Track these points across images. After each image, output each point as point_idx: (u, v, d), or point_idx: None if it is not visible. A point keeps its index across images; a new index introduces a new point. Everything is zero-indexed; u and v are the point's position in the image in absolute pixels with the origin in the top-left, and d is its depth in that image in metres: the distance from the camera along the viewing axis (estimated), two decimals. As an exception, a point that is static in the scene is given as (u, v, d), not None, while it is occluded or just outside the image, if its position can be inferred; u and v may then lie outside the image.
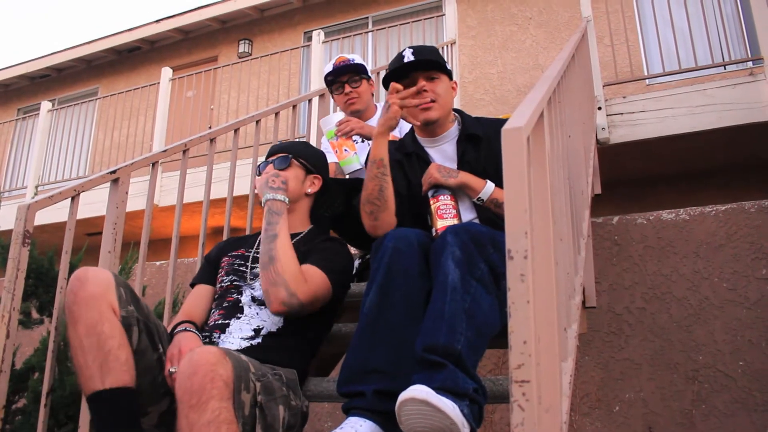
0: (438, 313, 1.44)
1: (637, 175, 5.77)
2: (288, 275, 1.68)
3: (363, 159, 2.44)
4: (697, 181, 5.77)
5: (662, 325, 3.16)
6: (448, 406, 1.30)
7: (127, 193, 1.90)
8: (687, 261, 3.20)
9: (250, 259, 1.93)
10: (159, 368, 1.61)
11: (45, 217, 6.45)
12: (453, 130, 2.03)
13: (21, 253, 1.61)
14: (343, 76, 2.70)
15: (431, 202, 1.84)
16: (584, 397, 3.21)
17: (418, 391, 1.31)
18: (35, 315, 4.26)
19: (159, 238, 6.72)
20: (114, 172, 1.89)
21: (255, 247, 1.97)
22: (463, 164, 1.95)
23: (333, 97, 2.79)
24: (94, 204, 6.27)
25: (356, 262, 2.47)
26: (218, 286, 1.94)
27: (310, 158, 2.08)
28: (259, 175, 2.03)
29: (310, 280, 1.74)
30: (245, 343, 1.75)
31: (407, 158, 2.02)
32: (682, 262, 3.21)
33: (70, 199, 1.79)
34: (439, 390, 1.32)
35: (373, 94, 2.81)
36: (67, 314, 1.50)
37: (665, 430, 3.04)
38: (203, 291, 1.96)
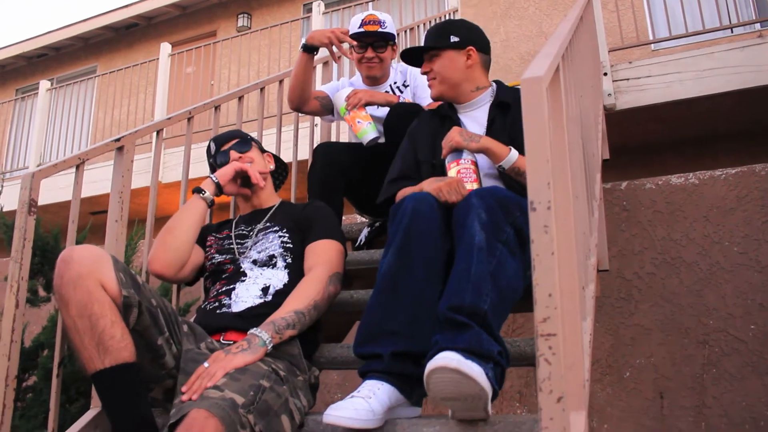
0: (463, 274, 1.43)
1: (643, 141, 5.71)
2: (319, 303, 1.72)
3: (380, 126, 2.40)
4: (704, 146, 5.71)
5: (672, 290, 3.14)
6: (476, 372, 1.30)
7: (132, 161, 1.87)
8: (697, 225, 3.17)
9: (234, 237, 1.95)
10: (163, 351, 1.57)
11: (48, 196, 6.43)
12: (485, 96, 2.03)
13: (27, 222, 1.58)
14: (369, 38, 2.63)
15: (452, 165, 1.79)
16: (594, 363, 3.20)
17: (449, 359, 1.29)
18: (42, 293, 4.25)
19: (163, 215, 6.68)
20: (118, 140, 1.86)
21: (234, 227, 1.99)
22: (491, 131, 1.94)
23: (352, 51, 2.68)
24: (98, 182, 6.24)
25: (365, 231, 2.45)
26: (209, 263, 1.93)
27: (254, 138, 2.14)
28: (216, 164, 2.05)
29: (327, 258, 1.79)
30: (258, 300, 1.74)
31: (441, 122, 2.04)
32: (692, 226, 3.18)
33: (74, 172, 1.77)
34: (465, 352, 1.32)
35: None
36: (57, 297, 1.47)
37: (676, 394, 3.04)
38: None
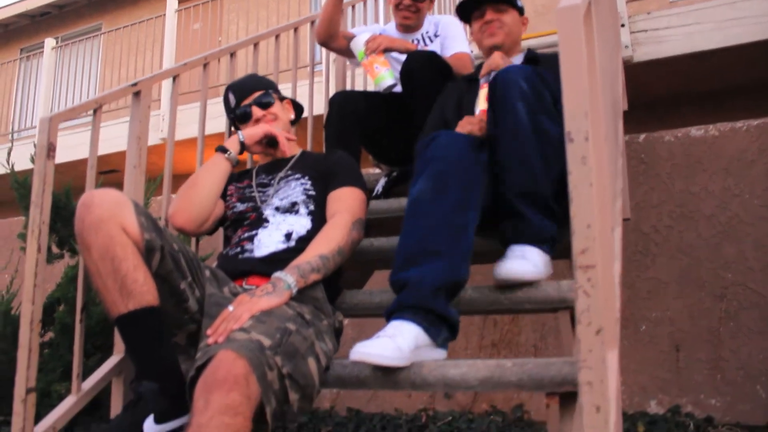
0: (517, 159, 1.62)
1: (661, 95, 5.61)
2: (343, 248, 1.70)
3: (397, 74, 2.35)
4: (724, 99, 5.59)
5: (690, 243, 3.11)
6: (540, 268, 1.61)
7: (149, 107, 1.84)
8: (716, 178, 3.12)
9: (255, 186, 1.92)
10: (186, 296, 1.56)
11: (59, 156, 6.40)
12: (517, 59, 2.13)
13: (47, 166, 1.56)
14: None
15: (484, 86, 1.79)
16: (610, 316, 3.18)
17: (514, 272, 1.57)
18: (55, 249, 4.27)
19: (176, 173, 6.66)
20: (135, 84, 1.82)
21: (255, 176, 1.96)
22: None
23: None
24: (108, 141, 6.21)
25: (382, 181, 2.42)
26: (230, 212, 1.90)
27: (273, 85, 2.09)
28: (236, 118, 2.01)
29: (350, 205, 1.79)
30: (281, 246, 1.73)
31: (468, 84, 2.13)
32: (711, 179, 3.13)
33: (90, 118, 1.75)
34: (528, 242, 1.61)
35: None
36: (79, 241, 1.45)
37: (692, 347, 3.03)
38: None
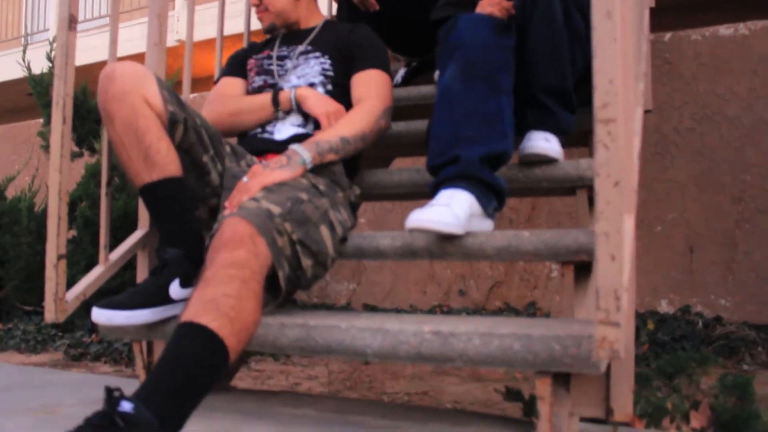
0: (548, 55, 1.62)
1: None
2: (367, 135, 1.68)
3: None
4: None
5: (711, 145, 3.08)
6: (560, 152, 1.67)
7: (167, -19, 1.81)
8: (743, 79, 3.05)
9: (275, 58, 1.87)
10: (208, 169, 1.58)
11: (73, 59, 6.35)
12: None
13: (68, 38, 1.55)
14: None
15: None
16: (626, 217, 3.20)
17: (539, 148, 1.63)
18: (74, 148, 4.31)
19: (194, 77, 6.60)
20: (152, -39, 1.79)
21: (278, 46, 1.90)
22: None
23: None
24: (124, 43, 6.13)
25: (402, 71, 2.39)
26: (250, 87, 1.89)
27: None
28: None
29: (380, 91, 1.75)
30: (301, 130, 1.73)
31: None
32: (737, 80, 3.06)
33: (103, 32, 1.73)
34: (549, 131, 1.66)
35: None
36: (102, 114, 1.46)
37: (706, 249, 3.05)
38: (235, 82, 1.91)
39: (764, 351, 2.73)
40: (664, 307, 3.12)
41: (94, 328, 3.31)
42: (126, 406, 0.92)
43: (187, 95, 2.05)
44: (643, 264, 3.15)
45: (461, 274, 3.55)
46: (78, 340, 3.15)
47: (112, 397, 0.92)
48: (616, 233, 0.94)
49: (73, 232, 3.81)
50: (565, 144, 1.72)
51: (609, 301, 0.93)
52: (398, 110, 2.10)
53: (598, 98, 0.97)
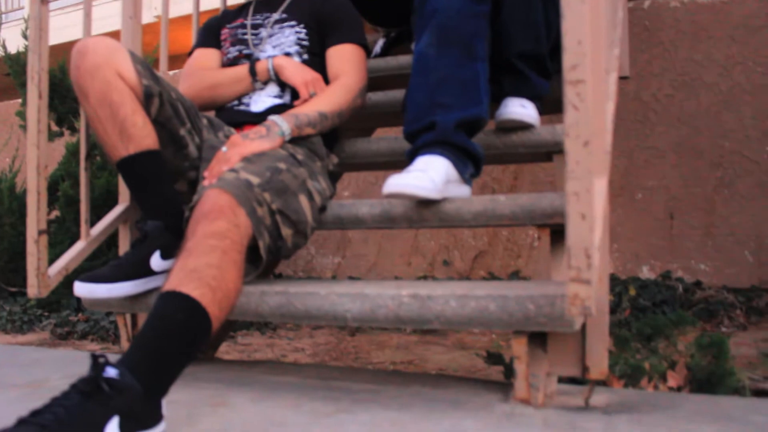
0: (523, 21, 1.62)
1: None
2: (344, 112, 1.70)
3: None
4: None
5: (690, 112, 3.11)
6: (536, 118, 1.68)
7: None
8: (721, 45, 3.08)
9: (249, 27, 1.86)
10: (186, 142, 1.58)
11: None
12: None
13: (41, 11, 1.54)
14: None
15: None
16: (607, 185, 3.23)
17: (516, 114, 1.64)
18: (54, 127, 4.27)
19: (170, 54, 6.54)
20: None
21: (251, 14, 1.88)
22: None
23: None
24: (100, 20, 6.06)
25: (380, 42, 2.39)
26: (225, 58, 1.88)
27: None
28: None
29: (357, 67, 1.76)
30: (278, 101, 1.73)
31: None
32: (715, 46, 3.08)
33: (77, 10, 1.70)
34: (525, 97, 1.67)
35: None
36: (76, 89, 1.45)
37: (686, 215, 3.10)
38: (210, 53, 1.89)
39: (742, 313, 2.79)
40: (646, 272, 3.17)
41: (80, 306, 3.31)
42: (111, 372, 0.94)
43: (164, 72, 2.03)
44: (624, 231, 3.19)
45: (445, 245, 3.58)
46: (65, 319, 3.16)
47: (97, 363, 0.94)
48: (585, 192, 0.96)
49: (57, 212, 3.80)
50: (542, 111, 1.74)
51: (580, 259, 0.96)
52: (378, 81, 2.10)
53: (567, 59, 0.98)
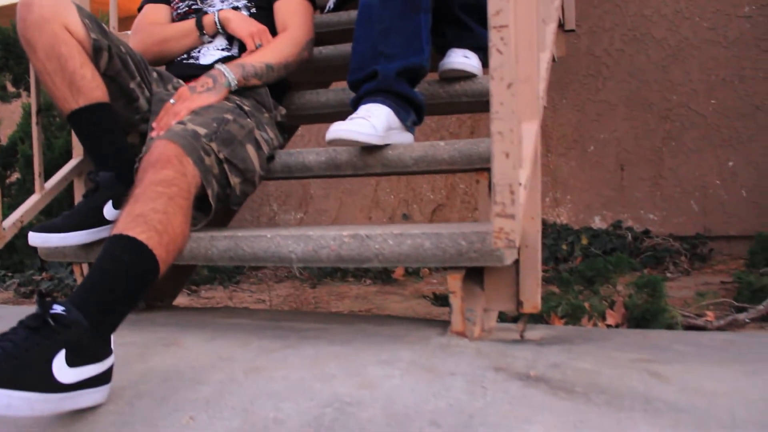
0: None
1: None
2: (290, 64, 1.73)
3: None
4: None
5: (640, 66, 3.19)
6: (479, 68, 1.74)
7: None
8: (670, 1, 3.15)
9: None
10: (136, 95, 1.61)
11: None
12: None
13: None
14: None
15: None
16: (560, 138, 3.32)
17: (460, 64, 1.69)
18: (11, 88, 4.21)
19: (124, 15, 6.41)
20: None
21: None
22: None
23: None
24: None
25: (332, -2, 2.40)
26: (174, 14, 1.88)
27: None
28: None
29: (303, 21, 1.77)
30: (226, 54, 1.75)
31: None
32: (664, 2, 3.15)
33: None
34: (468, 48, 1.72)
35: None
36: (23, 42, 1.46)
37: (636, 167, 3.20)
38: (159, 8, 1.90)
39: (687, 260, 2.92)
40: (597, 223, 3.28)
41: (44, 266, 3.32)
42: (57, 308, 0.99)
43: (114, 28, 2.03)
44: (577, 183, 3.29)
45: (404, 199, 3.65)
46: (28, 278, 3.17)
47: (44, 301, 0.98)
48: (509, 132, 1.02)
49: (18, 175, 3.77)
50: (485, 62, 1.78)
51: (504, 195, 1.02)
52: (330, 35, 2.13)
53: (492, 5, 1.03)
